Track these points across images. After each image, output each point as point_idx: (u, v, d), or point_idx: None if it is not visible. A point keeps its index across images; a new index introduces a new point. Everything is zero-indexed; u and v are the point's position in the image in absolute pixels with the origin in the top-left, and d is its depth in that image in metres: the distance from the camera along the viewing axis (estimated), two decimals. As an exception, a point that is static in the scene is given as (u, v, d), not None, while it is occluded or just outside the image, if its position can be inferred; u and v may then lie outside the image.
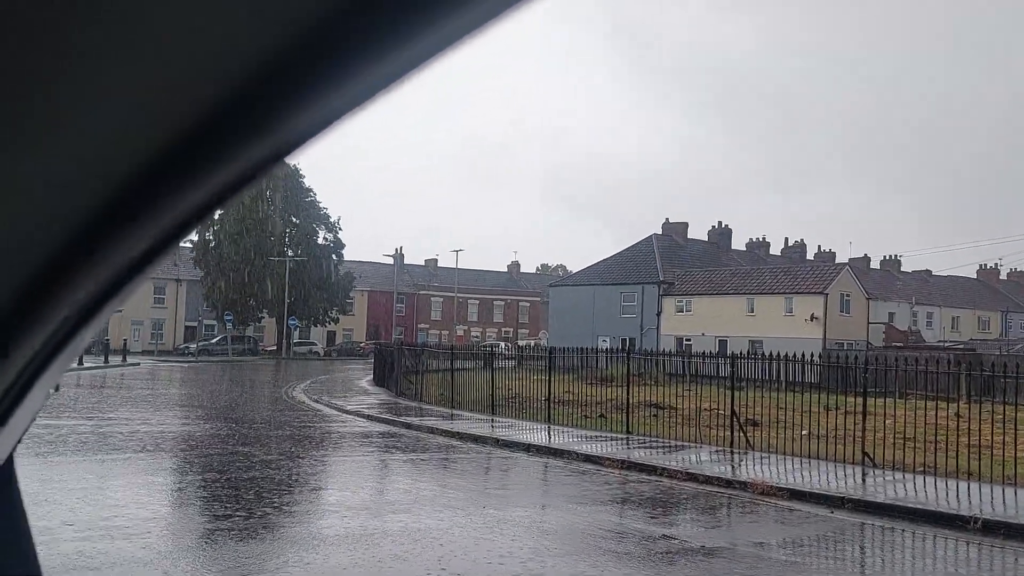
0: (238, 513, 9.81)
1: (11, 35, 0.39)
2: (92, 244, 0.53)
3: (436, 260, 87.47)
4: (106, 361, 42.46)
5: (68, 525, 8.73)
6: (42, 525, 8.37)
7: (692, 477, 13.06)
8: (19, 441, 0.87)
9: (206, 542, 8.60)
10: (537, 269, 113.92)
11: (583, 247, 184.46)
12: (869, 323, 50.58)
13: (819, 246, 68.24)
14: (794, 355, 18.07)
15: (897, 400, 15.61)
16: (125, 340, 52.06)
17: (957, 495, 11.44)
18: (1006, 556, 9.28)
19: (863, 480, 12.77)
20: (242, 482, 11.81)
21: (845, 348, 39.03)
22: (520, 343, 56.08)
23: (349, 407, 23.44)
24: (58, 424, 17.01)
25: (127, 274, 0.58)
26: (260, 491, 11.21)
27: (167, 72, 0.43)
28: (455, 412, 21.96)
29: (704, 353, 22.61)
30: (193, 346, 61.26)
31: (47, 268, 0.54)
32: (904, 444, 13.78)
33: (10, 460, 0.91)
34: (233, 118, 0.46)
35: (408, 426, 19.35)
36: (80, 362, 35.62)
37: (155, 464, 13.54)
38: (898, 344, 47.74)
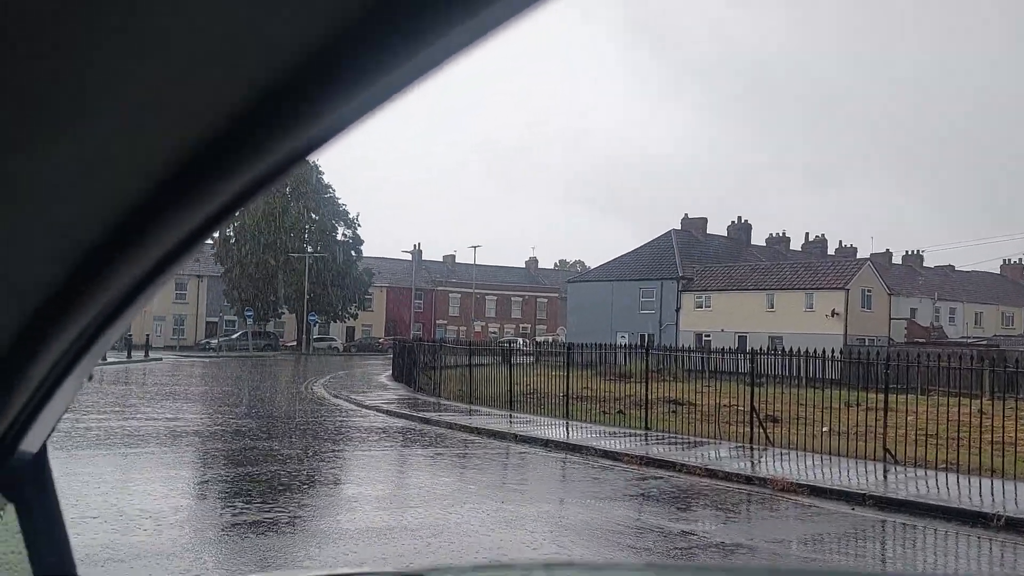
0: (260, 507, 9.90)
1: (31, 37, 0.40)
2: (119, 245, 0.55)
3: (454, 256, 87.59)
4: (129, 356, 42.90)
5: (93, 518, 8.85)
6: (68, 518, 8.47)
7: (711, 473, 13.02)
8: (52, 431, 0.90)
9: (228, 535, 8.69)
10: (555, 265, 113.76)
11: (601, 243, 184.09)
12: (891, 319, 50.11)
13: (840, 241, 67.87)
14: (814, 351, 17.95)
15: (919, 397, 15.48)
16: (147, 335, 52.56)
17: (980, 492, 11.33)
18: (1030, 554, 9.19)
19: (884, 477, 12.68)
20: (264, 476, 11.92)
21: (866, 344, 38.72)
22: (538, 339, 56.01)
23: (368, 402, 23.56)
24: (82, 418, 17.23)
25: (152, 274, 0.60)
26: (281, 485, 11.31)
27: (188, 76, 0.44)
28: (473, 408, 22.01)
29: (723, 349, 22.48)
30: (214, 342, 61.78)
31: (76, 269, 0.56)
32: (926, 441, 13.66)
33: (43, 449, 0.94)
34: (255, 119, 0.47)
35: (427, 421, 19.43)
36: (103, 357, 36.00)
37: (178, 458, 13.69)
38: (920, 340, 47.29)
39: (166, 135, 0.48)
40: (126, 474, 11.93)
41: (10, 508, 0.96)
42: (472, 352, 25.49)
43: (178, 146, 0.48)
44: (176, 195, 0.52)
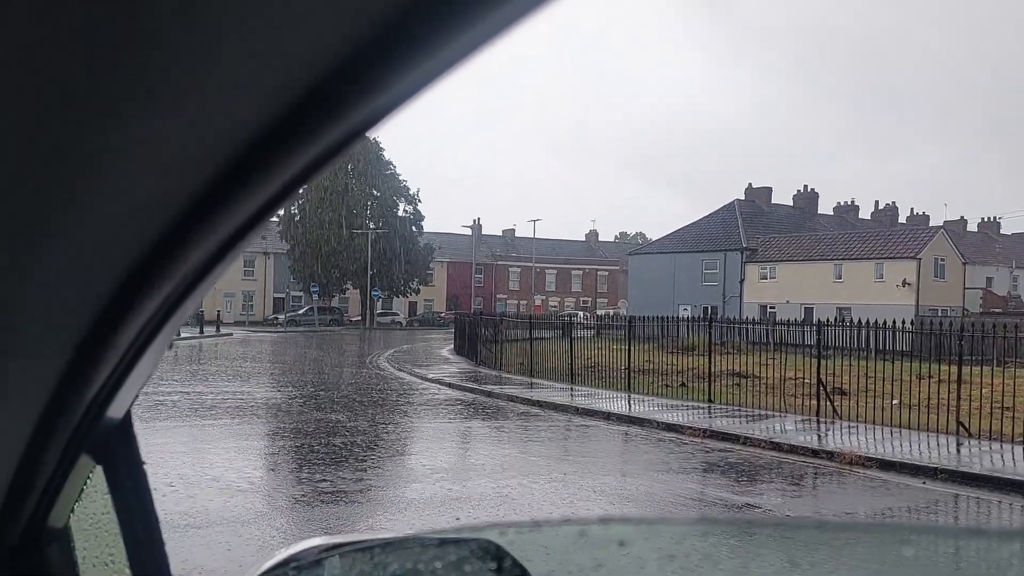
0: (328, 477, 10.18)
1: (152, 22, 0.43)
2: (195, 224, 0.58)
3: (514, 230, 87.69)
4: (201, 332, 44.29)
5: (171, 486, 9.22)
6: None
7: (776, 446, 12.85)
8: (136, 397, 0.95)
9: (299, 503, 8.97)
10: (615, 238, 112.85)
11: (663, 216, 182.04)
12: (965, 288, 48.41)
13: (912, 209, 65.67)
14: (884, 322, 17.49)
15: (995, 368, 14.98)
16: (218, 311, 54.18)
17: (1060, 467, 10.95)
18: (1113, 531, 8.86)
19: (957, 450, 12.34)
20: (331, 447, 12.23)
21: (939, 315, 37.51)
22: (599, 312, 55.84)
23: (431, 375, 23.90)
24: (158, 391, 17.90)
25: (223, 249, 0.63)
26: (348, 456, 11.59)
27: (261, 53, 0.46)
28: (534, 381, 22.13)
29: (789, 321, 22.06)
30: (281, 317, 63.38)
31: (156, 244, 0.60)
32: (1002, 414, 13.22)
33: (128, 415, 0.99)
34: (316, 99, 0.49)
35: (489, 394, 19.62)
36: (177, 333, 37.22)
37: (249, 429, 14.13)
38: (996, 310, 45.58)
39: (240, 115, 0.50)
40: (201, 444, 12.37)
41: (99, 470, 1.02)
42: (532, 326, 25.58)
43: (250, 124, 0.51)
44: (244, 175, 0.55)
